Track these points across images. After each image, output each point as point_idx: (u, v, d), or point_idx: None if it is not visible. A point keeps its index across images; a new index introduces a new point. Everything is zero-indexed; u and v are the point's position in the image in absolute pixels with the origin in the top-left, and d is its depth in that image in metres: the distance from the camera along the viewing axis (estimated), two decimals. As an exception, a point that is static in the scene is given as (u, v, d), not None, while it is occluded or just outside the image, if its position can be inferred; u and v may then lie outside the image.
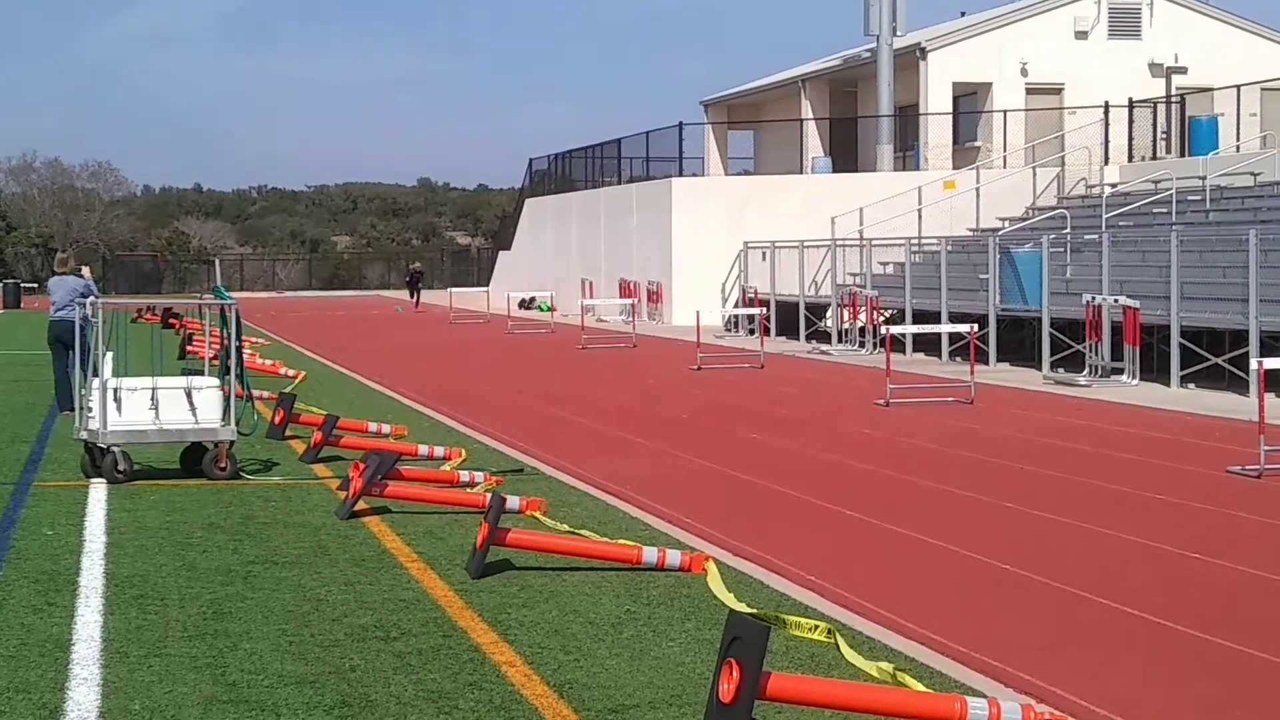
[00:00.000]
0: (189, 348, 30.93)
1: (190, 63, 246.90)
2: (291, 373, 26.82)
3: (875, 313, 33.00)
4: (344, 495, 12.92)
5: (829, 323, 35.90)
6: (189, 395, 14.66)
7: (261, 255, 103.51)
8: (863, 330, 33.10)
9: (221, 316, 15.24)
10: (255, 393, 16.36)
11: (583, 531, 11.62)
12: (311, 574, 10.35)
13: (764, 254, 40.25)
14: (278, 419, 18.04)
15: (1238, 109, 39.58)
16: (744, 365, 28.73)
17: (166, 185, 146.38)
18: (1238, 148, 38.54)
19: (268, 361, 28.94)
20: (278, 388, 22.07)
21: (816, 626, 8.44)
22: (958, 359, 28.46)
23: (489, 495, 11.81)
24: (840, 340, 34.19)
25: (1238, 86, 39.25)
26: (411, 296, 63.74)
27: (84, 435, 14.73)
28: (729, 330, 39.32)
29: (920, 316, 31.57)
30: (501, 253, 68.89)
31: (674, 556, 10.40)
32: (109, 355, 14.77)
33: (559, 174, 62.50)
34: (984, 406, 21.23)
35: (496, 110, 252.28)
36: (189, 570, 10.50)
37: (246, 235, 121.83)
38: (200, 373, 15.67)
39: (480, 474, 14.31)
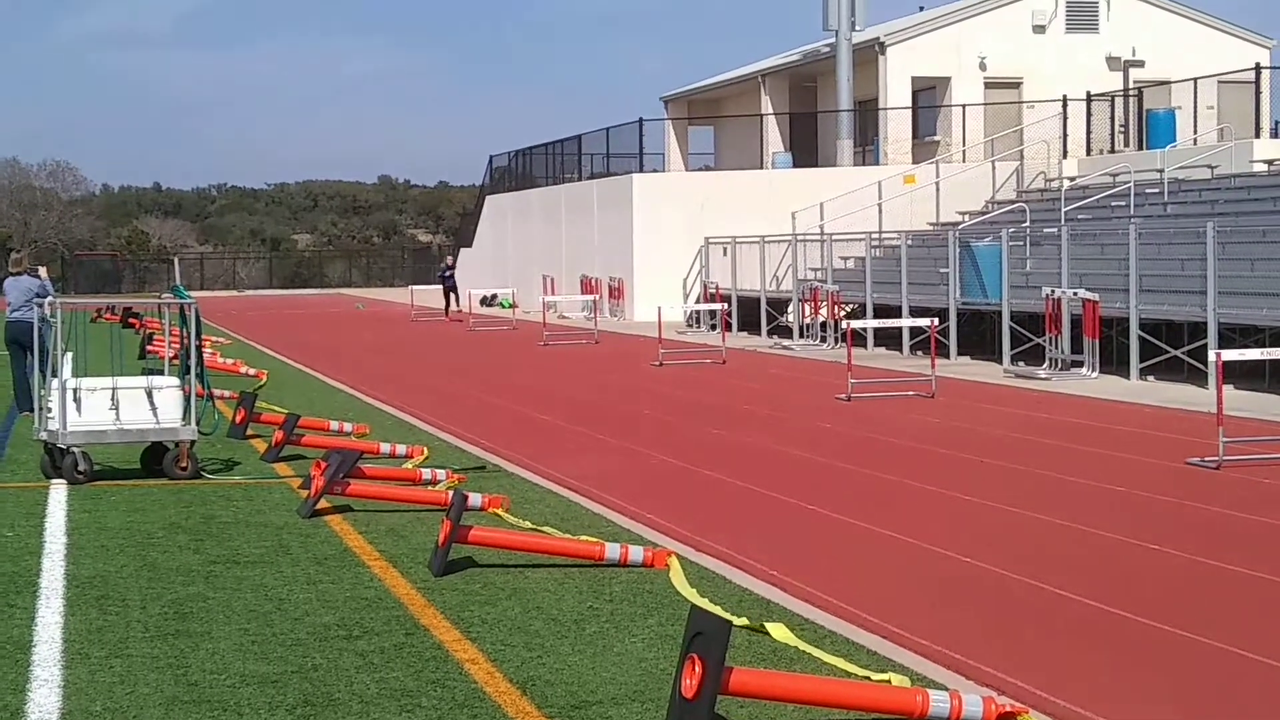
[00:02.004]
0: (149, 347, 30.80)
1: (149, 61, 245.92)
2: (253, 372, 26.76)
3: (836, 307, 33.07)
4: (306, 494, 12.90)
5: (790, 318, 35.98)
6: (149, 395, 14.61)
7: (222, 254, 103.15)
8: (824, 325, 33.16)
9: (181, 316, 15.20)
10: (216, 392, 16.32)
11: (545, 528, 11.63)
12: (273, 573, 10.33)
13: (725, 249, 40.29)
14: (239, 418, 17.98)
15: (1195, 102, 39.73)
16: (706, 361, 28.76)
17: (126, 184, 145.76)
18: (1195, 140, 38.71)
19: (229, 360, 28.87)
20: (239, 387, 22.02)
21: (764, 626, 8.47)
22: (919, 353, 28.55)
23: (451, 493, 11.80)
24: (802, 335, 34.26)
25: (1195, 80, 39.41)
26: (445, 301, 51.07)
27: (44, 436, 14.67)
28: (691, 326, 39.35)
29: (881, 311, 31.64)
30: (463, 250, 68.78)
31: (636, 552, 10.42)
32: (68, 355, 14.72)
33: (520, 171, 62.43)
34: (945, 400, 21.30)
35: (457, 107, 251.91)
36: (150, 571, 10.47)
37: (207, 234, 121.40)
38: (160, 372, 15.62)
39: (442, 472, 14.31)
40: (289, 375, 27.31)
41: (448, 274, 52.48)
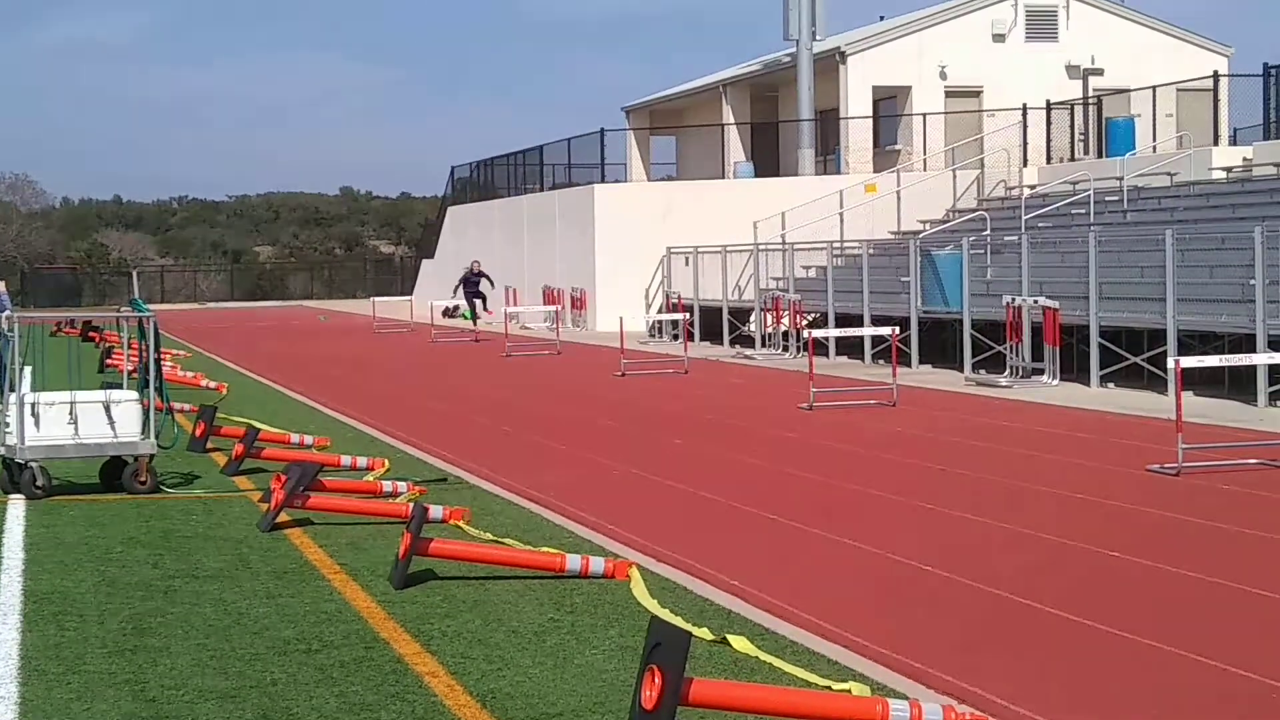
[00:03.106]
0: (109, 361, 30.65)
1: (110, 74, 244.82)
2: (213, 385, 26.65)
3: (798, 316, 33.12)
4: (266, 507, 12.84)
5: (752, 327, 36.01)
6: (108, 409, 14.53)
7: (183, 267, 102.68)
8: (786, 334, 33.21)
9: (140, 329, 15.13)
10: (176, 405, 16.24)
11: (506, 540, 11.61)
12: (233, 587, 10.28)
13: (687, 259, 40.31)
14: (199, 431, 17.89)
15: (1154, 110, 39.92)
16: (668, 370, 28.75)
17: (86, 197, 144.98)
18: (1154, 148, 38.88)
19: (189, 374, 28.72)
20: (199, 400, 21.93)
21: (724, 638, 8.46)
22: (880, 361, 28.60)
23: (411, 505, 11.78)
24: (764, 344, 34.30)
25: (1154, 88, 39.60)
26: (469, 307, 46.90)
27: (1, 451, 14.58)
28: (653, 336, 39.34)
29: (843, 319, 31.68)
30: (425, 261, 68.68)
31: (597, 563, 10.41)
32: (27, 370, 14.63)
33: (482, 182, 62.37)
34: (906, 408, 21.33)
35: (418, 118, 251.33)
36: (108, 586, 10.41)
37: (167, 246, 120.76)
38: (120, 386, 15.54)
39: (403, 484, 14.27)
40: (250, 388, 27.21)
41: (474, 278, 47.34)
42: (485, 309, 46.72)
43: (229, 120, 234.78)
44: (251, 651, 8.57)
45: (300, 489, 12.46)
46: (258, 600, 9.87)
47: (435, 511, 12.21)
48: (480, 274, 47.78)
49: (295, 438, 17.92)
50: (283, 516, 12.49)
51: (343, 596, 9.94)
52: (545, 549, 11.05)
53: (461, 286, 47.67)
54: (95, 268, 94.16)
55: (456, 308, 53.26)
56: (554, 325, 39.55)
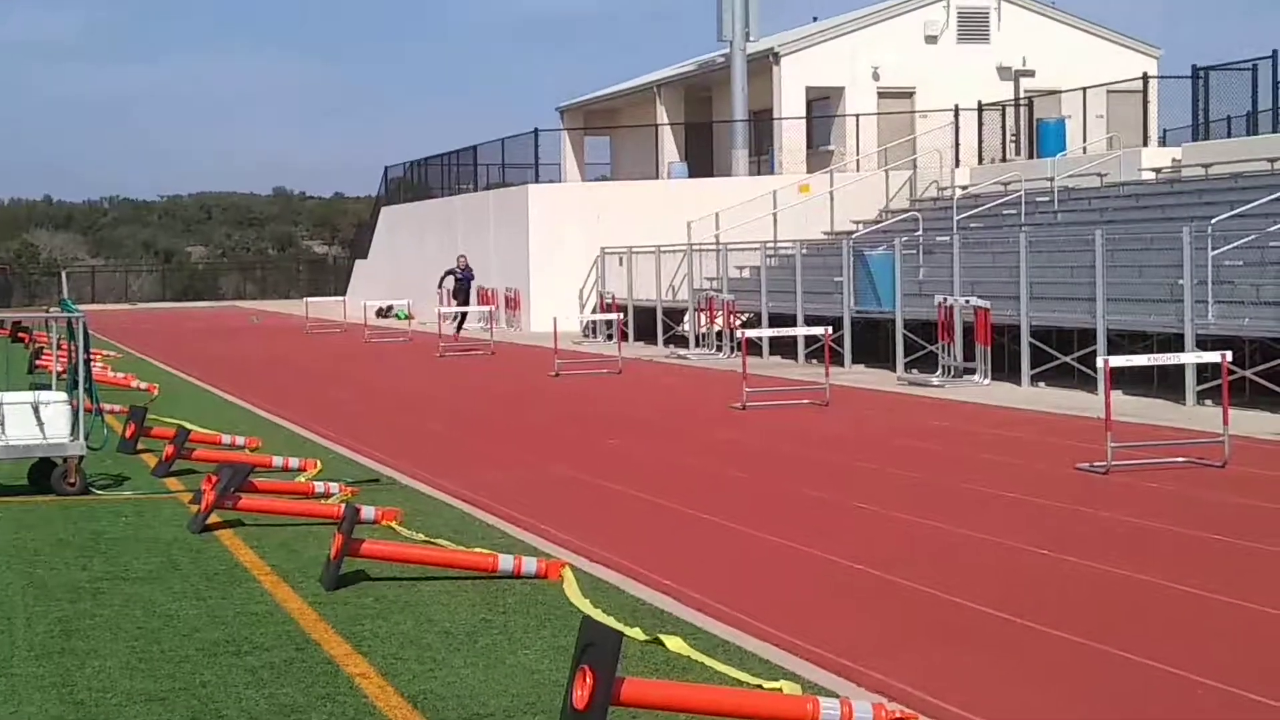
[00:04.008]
0: (38, 362, 30.39)
1: (41, 73, 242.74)
2: (144, 385, 26.46)
3: (732, 316, 33.18)
4: (196, 509, 12.76)
5: (686, 327, 36.06)
6: (36, 410, 14.41)
7: (114, 267, 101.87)
8: (720, 334, 33.28)
9: (69, 329, 15.01)
10: (106, 406, 16.11)
11: (439, 541, 11.59)
12: (162, 589, 10.22)
13: (621, 259, 40.32)
14: (129, 433, 17.77)
15: (1084, 111, 40.23)
16: (602, 371, 28.75)
17: (16, 197, 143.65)
18: (1084, 149, 39.19)
19: (119, 374, 28.51)
20: (130, 401, 21.77)
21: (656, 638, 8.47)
22: (814, 361, 28.69)
23: (343, 506, 11.74)
24: (698, 344, 34.35)
25: (1084, 89, 39.91)
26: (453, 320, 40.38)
27: (-72, 453, 14.43)
28: (587, 336, 39.34)
29: (776, 320, 31.76)
30: (358, 261, 68.44)
31: (530, 564, 10.40)
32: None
33: (415, 182, 62.20)
34: (839, 408, 21.41)
35: (352, 118, 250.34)
36: (37, 588, 10.32)
37: (98, 247, 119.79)
38: (49, 387, 15.41)
39: (335, 485, 14.22)
40: (182, 389, 27.04)
41: (461, 276, 41.45)
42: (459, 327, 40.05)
43: (161, 120, 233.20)
44: (181, 654, 8.52)
45: (231, 490, 12.39)
46: (187, 602, 9.81)
47: (367, 512, 12.17)
48: (468, 273, 41.53)
49: (227, 439, 17.82)
50: (214, 518, 12.43)
51: (273, 598, 9.89)
52: (478, 549, 11.03)
53: (450, 282, 40.97)
54: (25, 268, 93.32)
55: (391, 308, 52.98)
56: (488, 326, 39.48)
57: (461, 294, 41.45)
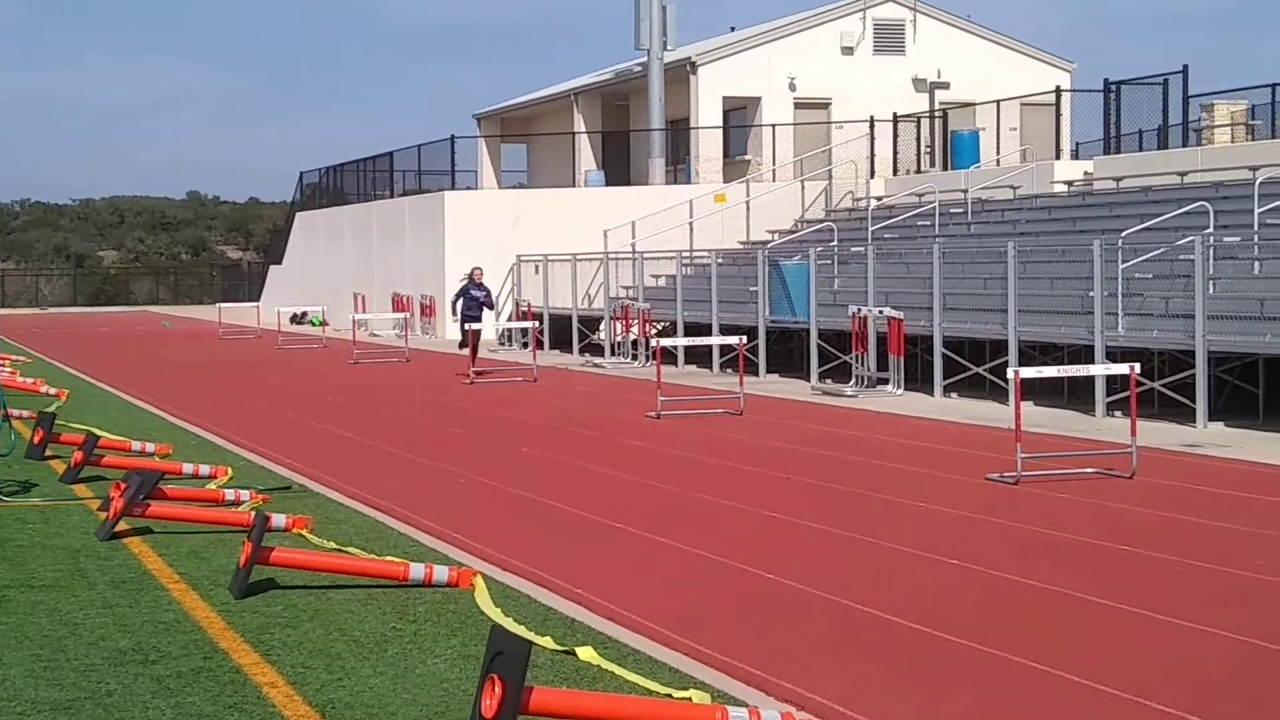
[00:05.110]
0: (-54, 366, 30.02)
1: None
2: (53, 391, 26.20)
3: (647, 325, 33.21)
4: (105, 516, 12.64)
5: (602, 335, 36.05)
6: (-58, 416, 14.23)
7: (24, 271, 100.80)
8: (635, 343, 33.29)
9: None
10: (14, 412, 15.95)
11: (350, 549, 11.53)
12: (69, 597, 10.12)
13: (537, 267, 40.27)
14: (37, 439, 17.58)
15: (998, 123, 40.53)
16: (517, 379, 28.71)
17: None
18: (998, 161, 39.48)
19: (28, 380, 28.22)
20: (38, 406, 21.55)
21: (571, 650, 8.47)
22: (728, 370, 28.75)
23: (253, 514, 11.66)
24: (613, 353, 34.35)
25: (998, 101, 40.19)
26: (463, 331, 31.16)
27: None
28: (502, 344, 39.26)
29: (692, 329, 31.80)
30: (273, 267, 68.02)
31: (441, 572, 10.37)
32: None
33: (331, 187, 61.87)
34: (753, 417, 21.47)
35: (267, 123, 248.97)
36: (-60, 596, 10.19)
37: (9, 250, 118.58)
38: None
39: (246, 492, 14.11)
40: (91, 394, 26.79)
41: (472, 292, 31.75)
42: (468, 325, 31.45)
43: (74, 123, 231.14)
44: (87, 662, 8.44)
45: (140, 497, 12.28)
46: (94, 610, 9.72)
47: (278, 520, 12.10)
48: (485, 288, 32.26)
49: (136, 445, 17.66)
50: (122, 525, 12.31)
51: (182, 606, 9.81)
52: (389, 558, 10.99)
53: (461, 301, 31.88)
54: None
55: (305, 314, 52.60)
56: (403, 333, 39.33)
57: (470, 310, 31.49)
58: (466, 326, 30.26)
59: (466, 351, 29.73)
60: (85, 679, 8.10)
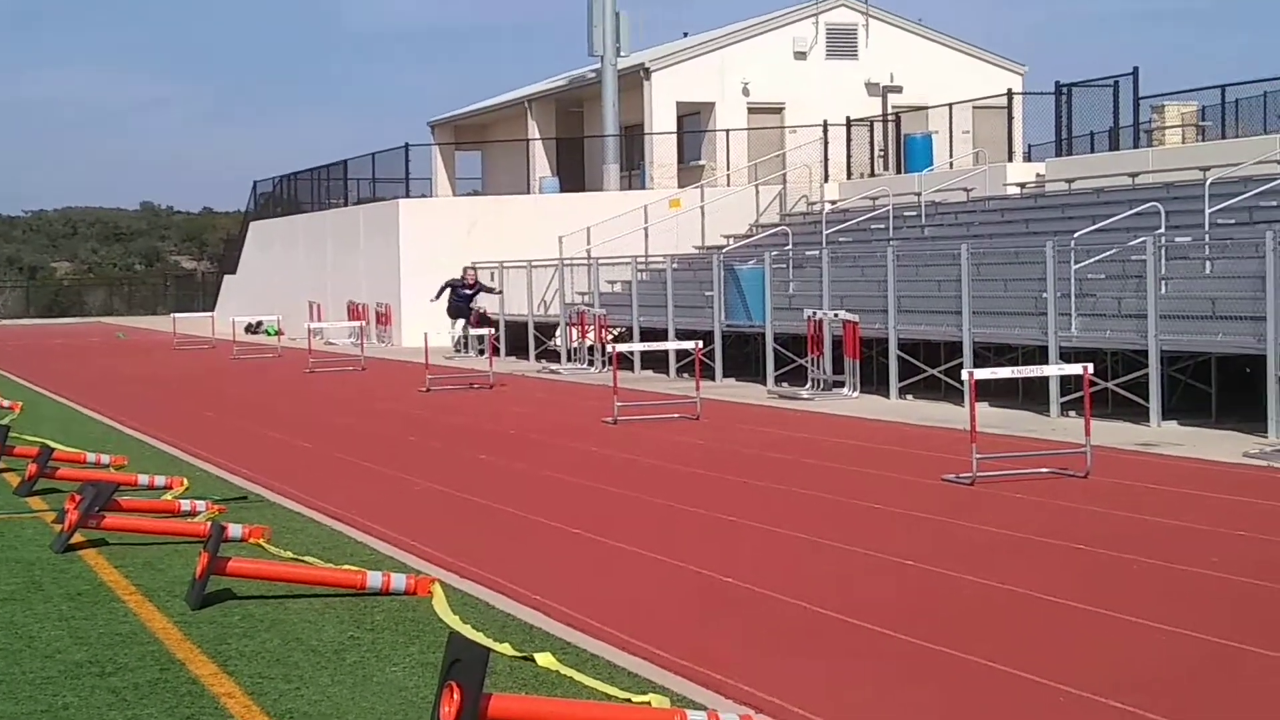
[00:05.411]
0: (-102, 380, 29.83)
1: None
2: (6, 403, 26.05)
3: (603, 331, 33.22)
4: (60, 528, 12.58)
5: (558, 342, 36.04)
6: (-106, 429, 14.15)
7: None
8: (591, 349, 33.29)
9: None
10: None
11: (307, 558, 11.51)
12: (24, 610, 10.06)
13: (492, 274, 40.22)
14: (-9, 452, 17.48)
15: (950, 127, 40.73)
16: (473, 386, 28.68)
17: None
18: (951, 164, 39.66)
19: (-19, 392, 28.06)
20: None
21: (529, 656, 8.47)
22: (685, 375, 28.76)
23: (210, 524, 11.62)
24: (569, 359, 34.35)
25: (950, 105, 40.39)
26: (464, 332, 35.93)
27: None
28: (459, 351, 39.19)
29: (648, 334, 31.85)
30: (227, 277, 67.80)
31: (399, 580, 10.35)
32: None
33: (285, 196, 61.72)
34: (710, 422, 21.49)
35: (221, 133, 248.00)
36: (-106, 611, 10.13)
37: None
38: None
39: (202, 503, 14.06)
40: (46, 406, 26.64)
41: (463, 289, 35.20)
42: (470, 323, 35.53)
43: (26, 133, 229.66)
44: (43, 675, 8.40)
45: (95, 509, 12.23)
46: (50, 623, 9.67)
47: (234, 530, 12.06)
48: (478, 286, 36.05)
49: (91, 457, 17.60)
50: (77, 537, 12.25)
51: (138, 618, 9.78)
52: (346, 566, 10.97)
53: (449, 292, 35.02)
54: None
55: (260, 323, 52.41)
56: (358, 341, 39.26)
57: (457, 303, 34.48)
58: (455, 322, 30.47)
59: (452, 344, 29.41)
60: (41, 692, 8.06)
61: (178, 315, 56.67)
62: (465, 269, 35.23)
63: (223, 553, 10.34)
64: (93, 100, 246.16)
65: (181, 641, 9.11)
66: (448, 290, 34.93)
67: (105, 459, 17.56)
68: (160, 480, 15.61)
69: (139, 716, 7.59)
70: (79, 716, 7.61)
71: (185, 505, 13.92)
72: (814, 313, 25.55)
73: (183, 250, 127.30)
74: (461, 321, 36.02)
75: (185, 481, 15.74)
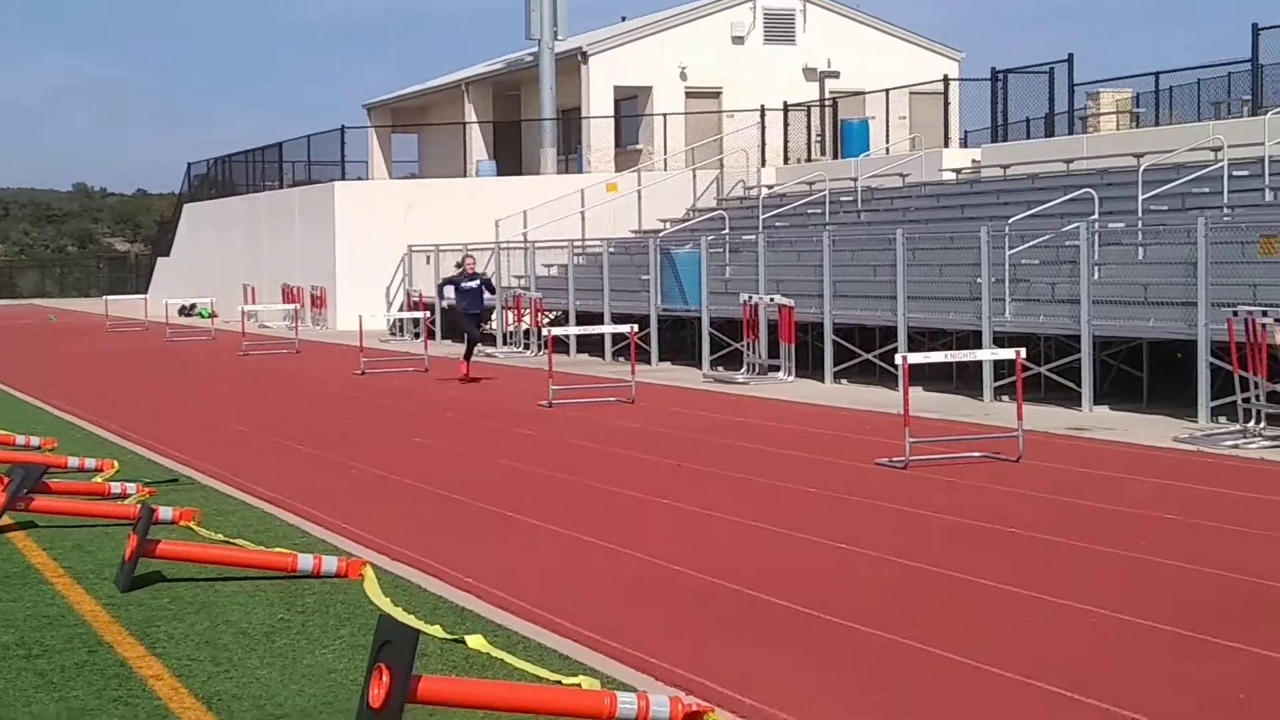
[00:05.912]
0: None
1: None
2: (-64, 385, 25.82)
3: (539, 314, 33.17)
4: (-13, 511, 12.46)
5: (494, 325, 35.96)
6: None
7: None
8: (527, 332, 33.24)
9: None
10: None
11: (237, 540, 11.44)
12: (-50, 593, 9.97)
13: (428, 257, 40.14)
14: (-82, 434, 17.32)
15: (887, 112, 40.84)
16: (409, 369, 28.57)
17: None
18: (887, 150, 39.76)
19: (-90, 374, 27.79)
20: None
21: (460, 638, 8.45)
22: (621, 359, 28.75)
23: (139, 506, 11.53)
24: (505, 342, 34.28)
25: (887, 91, 40.50)
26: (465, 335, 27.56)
27: None
28: (394, 334, 39.10)
29: (584, 318, 31.82)
30: (161, 259, 67.30)
31: (330, 563, 10.31)
32: None
33: (220, 179, 61.33)
34: (645, 405, 21.49)
35: (155, 116, 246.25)
36: None
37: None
38: None
39: (133, 485, 13.96)
40: (-25, 389, 26.40)
41: (467, 284, 27.16)
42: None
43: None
44: (-32, 658, 8.32)
45: (24, 491, 12.12)
46: (-24, 606, 9.59)
47: (165, 513, 11.98)
48: (480, 277, 28.03)
49: (21, 439, 17.45)
50: (6, 519, 12.14)
51: (66, 600, 9.70)
52: (277, 549, 10.91)
53: (453, 291, 27.73)
54: None
55: (194, 306, 52.06)
56: (293, 324, 39.07)
57: (467, 305, 27.40)
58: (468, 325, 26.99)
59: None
60: (-34, 675, 7.99)
61: (111, 298, 56.25)
62: (464, 258, 28.11)
63: (153, 535, 10.27)
64: (25, 82, 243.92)
65: (110, 624, 9.04)
66: (451, 289, 27.95)
67: (35, 441, 17.43)
68: (90, 463, 15.48)
69: (66, 699, 7.53)
70: (5, 699, 7.54)
71: (115, 488, 13.83)
72: (750, 297, 25.58)
73: (116, 232, 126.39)
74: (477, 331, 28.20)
75: (116, 464, 15.63)
